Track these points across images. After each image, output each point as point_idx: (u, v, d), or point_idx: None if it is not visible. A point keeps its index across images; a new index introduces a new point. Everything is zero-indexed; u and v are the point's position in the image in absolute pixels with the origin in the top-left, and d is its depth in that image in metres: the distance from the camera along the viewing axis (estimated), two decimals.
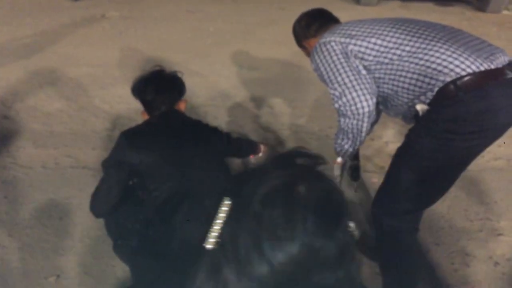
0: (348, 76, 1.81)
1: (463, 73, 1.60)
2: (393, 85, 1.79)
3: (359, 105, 1.80)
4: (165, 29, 5.92)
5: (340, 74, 1.83)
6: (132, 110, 3.68)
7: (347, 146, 2.03)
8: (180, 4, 7.24)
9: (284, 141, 3.36)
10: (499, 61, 1.64)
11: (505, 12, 6.94)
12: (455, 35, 1.74)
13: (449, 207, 2.70)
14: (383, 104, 1.97)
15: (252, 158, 2.84)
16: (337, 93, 1.85)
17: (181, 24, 6.12)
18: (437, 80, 1.64)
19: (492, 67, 1.61)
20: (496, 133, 1.72)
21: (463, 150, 1.69)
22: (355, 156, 2.21)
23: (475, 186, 2.88)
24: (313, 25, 2.17)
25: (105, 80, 4.29)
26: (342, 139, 2.01)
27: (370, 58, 1.80)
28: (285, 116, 3.70)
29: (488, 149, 3.28)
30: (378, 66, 1.79)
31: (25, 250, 2.36)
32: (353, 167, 2.70)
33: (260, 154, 2.82)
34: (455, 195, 2.78)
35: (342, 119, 1.90)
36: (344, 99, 1.82)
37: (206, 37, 5.58)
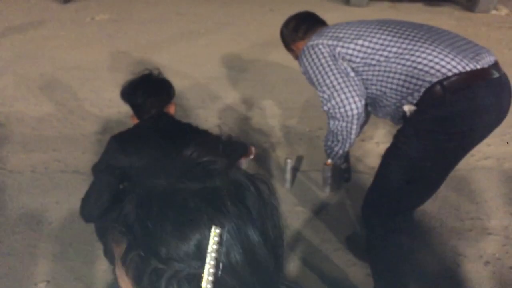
0: (336, 79, 1.82)
1: (449, 73, 1.61)
2: (381, 86, 1.79)
3: (347, 107, 1.81)
4: (154, 31, 5.90)
5: (328, 77, 1.84)
6: (122, 113, 3.66)
7: (337, 148, 2.04)
8: (169, 6, 7.22)
9: (275, 142, 3.36)
10: (485, 61, 1.65)
11: (493, 12, 6.99)
12: (441, 36, 1.75)
13: (440, 207, 2.71)
14: (371, 106, 1.98)
15: (243, 161, 2.83)
16: (325, 96, 1.86)
17: (171, 26, 6.11)
18: (423, 80, 1.65)
19: (478, 67, 1.63)
20: (483, 133, 1.73)
21: (450, 150, 1.70)
22: (345, 158, 2.22)
23: (465, 185, 2.90)
24: (300, 28, 2.16)
25: (95, 83, 4.27)
26: (332, 141, 2.02)
27: (358, 60, 1.81)
28: (276, 118, 3.70)
29: (478, 148, 3.29)
30: (366, 68, 1.80)
31: (14, 255, 2.34)
32: (344, 168, 2.71)
33: (251, 157, 2.82)
34: (446, 195, 2.79)
35: (331, 122, 1.91)
36: (333, 102, 1.83)
37: (196, 39, 5.56)
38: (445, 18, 6.55)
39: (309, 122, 3.58)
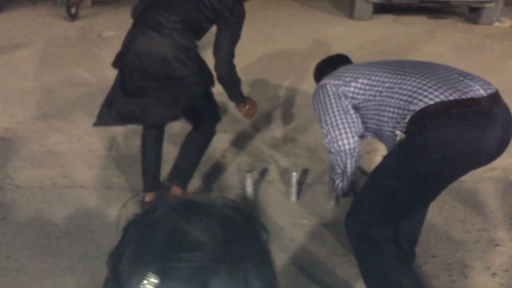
0: (334, 116, 1.98)
1: (431, 102, 1.68)
2: (377, 120, 1.91)
3: (340, 142, 1.96)
4: None
5: (328, 114, 2.00)
6: (129, 129, 3.69)
7: (338, 181, 2.14)
8: None
9: (280, 155, 3.38)
10: (474, 94, 1.67)
11: (497, 24, 7.02)
12: (434, 70, 1.83)
13: (446, 218, 2.70)
14: (377, 137, 2.09)
15: (247, 178, 2.84)
16: (324, 131, 2.02)
17: None
18: (408, 110, 1.73)
19: (463, 97, 1.66)
20: (466, 162, 1.75)
21: (429, 175, 1.73)
22: (352, 192, 2.29)
23: (471, 196, 2.89)
24: (327, 70, 2.31)
25: (102, 99, 4.30)
26: (334, 175, 2.14)
27: (359, 97, 1.94)
28: (281, 130, 3.73)
29: None
30: (365, 103, 1.93)
31: (23, 271, 2.35)
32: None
33: (247, 107, 2.83)
34: (452, 206, 2.79)
35: (329, 156, 2.07)
36: (329, 137, 1.99)
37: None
38: (448, 31, 6.58)
39: (314, 135, 3.59)
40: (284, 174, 3.14)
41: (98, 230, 2.59)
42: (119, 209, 2.57)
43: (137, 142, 3.46)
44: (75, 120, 3.89)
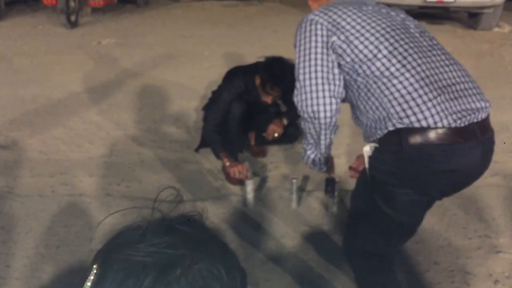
0: (316, 69, 1.63)
1: (417, 124, 1.46)
2: (358, 97, 1.64)
3: (315, 108, 1.63)
4: (160, 54, 5.98)
5: (309, 62, 1.64)
6: (129, 136, 3.69)
7: (309, 151, 1.85)
8: (174, 29, 7.32)
9: (280, 162, 3.37)
10: (471, 117, 1.49)
11: (496, 29, 7.04)
12: (437, 68, 1.55)
13: (448, 225, 2.69)
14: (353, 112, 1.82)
15: (248, 183, 2.84)
16: (298, 85, 1.68)
17: (176, 49, 6.19)
18: (390, 120, 1.51)
19: (457, 125, 1.46)
20: (444, 189, 1.60)
21: (405, 203, 1.57)
22: (326, 167, 1.98)
23: (472, 203, 2.88)
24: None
25: (102, 106, 4.32)
26: (306, 144, 1.85)
27: (348, 59, 1.60)
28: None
29: None
30: (351, 72, 1.61)
31: (21, 280, 2.34)
32: (328, 181, 2.68)
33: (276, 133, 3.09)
34: (453, 213, 2.78)
35: (302, 122, 1.76)
36: (303, 95, 1.65)
37: (200, 62, 5.63)
38: (448, 36, 6.60)
39: None
40: (285, 181, 3.13)
41: (98, 239, 2.57)
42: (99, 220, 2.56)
43: (136, 149, 3.47)
44: (75, 127, 3.89)
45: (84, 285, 0.64)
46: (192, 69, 5.38)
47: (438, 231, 2.64)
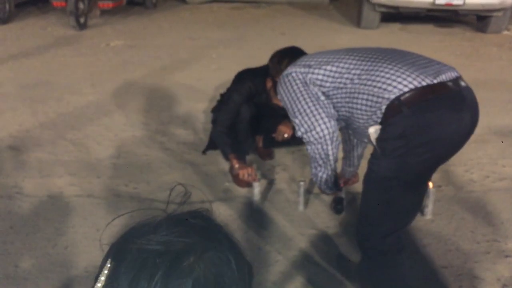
0: (306, 103, 1.92)
1: (406, 89, 1.68)
2: (349, 107, 1.86)
3: (318, 129, 1.90)
4: (168, 56, 6.01)
5: (299, 102, 1.94)
6: (137, 137, 3.71)
7: (320, 173, 2.08)
8: (182, 31, 7.34)
9: (288, 165, 3.37)
10: (444, 77, 1.72)
11: (505, 32, 7.01)
12: (403, 57, 1.84)
13: (456, 229, 2.68)
14: (349, 129, 2.06)
15: (255, 185, 2.85)
16: (297, 121, 1.97)
17: (184, 51, 6.21)
18: (383, 98, 1.72)
19: (435, 81, 1.69)
20: (448, 144, 1.76)
21: (418, 164, 1.73)
22: (336, 187, 2.24)
23: (481, 207, 2.87)
24: (283, 61, 2.35)
25: (110, 108, 4.34)
26: (315, 168, 2.08)
27: (328, 84, 1.89)
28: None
29: (493, 169, 3.28)
30: (335, 91, 1.88)
31: (30, 280, 2.35)
32: (336, 199, 2.73)
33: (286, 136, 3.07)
34: (461, 217, 2.77)
35: (308, 147, 2.01)
36: (305, 126, 1.94)
37: (208, 64, 5.64)
38: (457, 39, 6.57)
39: None
40: (292, 183, 3.13)
41: (106, 239, 2.58)
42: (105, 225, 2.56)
43: (144, 150, 3.48)
44: (83, 129, 3.91)
45: (98, 279, 0.65)
46: (199, 71, 5.40)
47: (446, 235, 2.63)
